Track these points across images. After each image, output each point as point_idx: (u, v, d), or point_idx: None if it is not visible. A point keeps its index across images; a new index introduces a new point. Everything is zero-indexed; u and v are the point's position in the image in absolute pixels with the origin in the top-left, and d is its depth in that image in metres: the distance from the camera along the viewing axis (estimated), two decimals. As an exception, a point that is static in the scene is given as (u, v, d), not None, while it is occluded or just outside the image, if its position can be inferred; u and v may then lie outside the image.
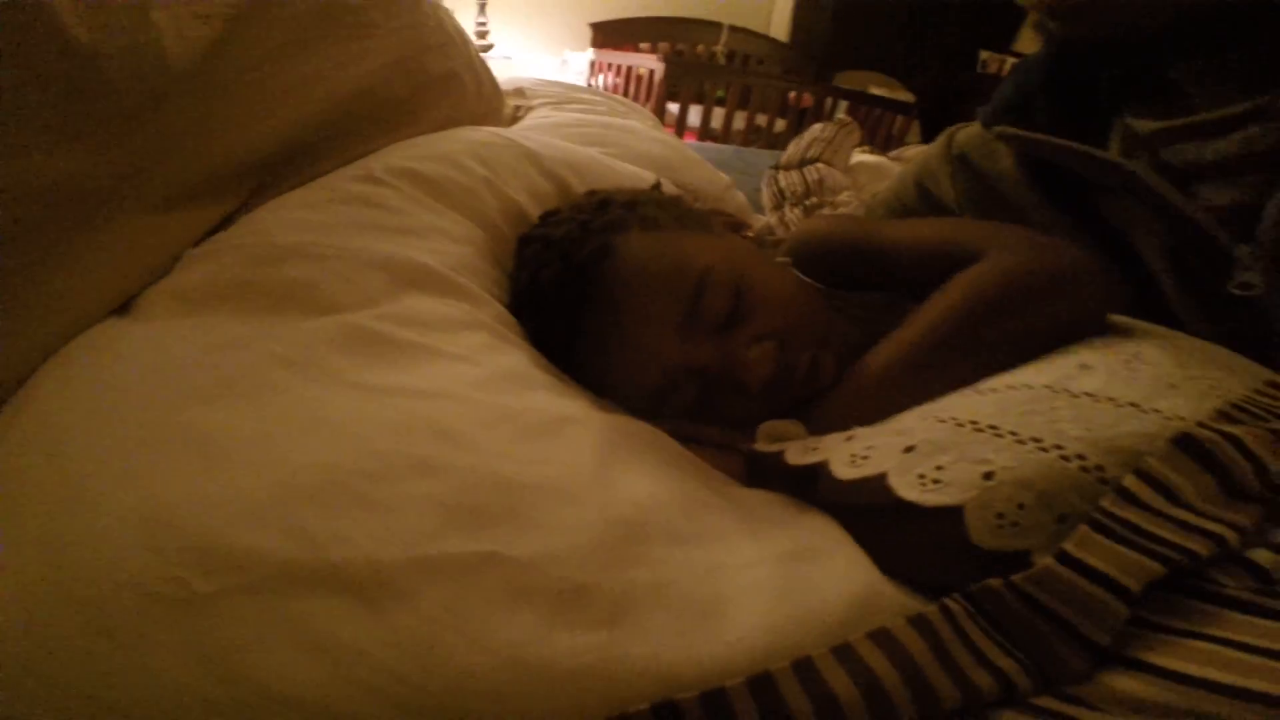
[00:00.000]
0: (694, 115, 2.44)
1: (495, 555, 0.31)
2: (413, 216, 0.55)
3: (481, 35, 2.88)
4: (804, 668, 0.29)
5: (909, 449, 0.37)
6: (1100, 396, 0.37)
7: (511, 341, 0.50)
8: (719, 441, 0.48)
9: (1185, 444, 0.33)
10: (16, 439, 0.34)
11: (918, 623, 0.30)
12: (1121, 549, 0.29)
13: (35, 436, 0.34)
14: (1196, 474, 0.32)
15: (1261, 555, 0.30)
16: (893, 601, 0.34)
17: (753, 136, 2.52)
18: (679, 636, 0.31)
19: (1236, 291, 0.48)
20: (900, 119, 2.58)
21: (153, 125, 0.44)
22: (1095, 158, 0.55)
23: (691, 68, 2.91)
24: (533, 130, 0.93)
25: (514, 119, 1.06)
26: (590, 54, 2.88)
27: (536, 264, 0.54)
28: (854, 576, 0.35)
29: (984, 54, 3.44)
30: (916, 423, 0.40)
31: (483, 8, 2.90)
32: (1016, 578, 0.30)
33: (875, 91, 3.00)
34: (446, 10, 0.85)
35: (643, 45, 3.30)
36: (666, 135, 1.19)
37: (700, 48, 3.42)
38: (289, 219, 0.51)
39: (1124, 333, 0.46)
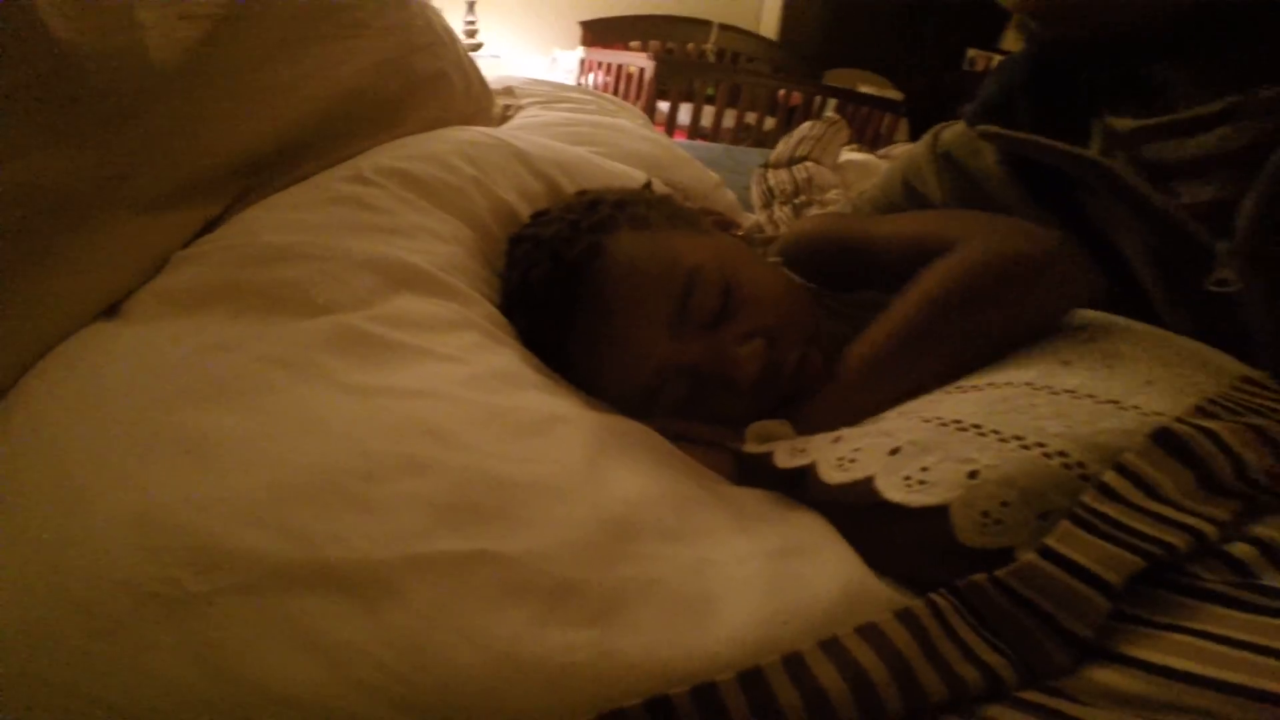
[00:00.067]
0: (684, 113, 2.44)
1: (487, 553, 0.31)
2: (402, 216, 0.55)
3: (470, 34, 2.87)
4: (794, 662, 0.29)
5: (894, 451, 0.38)
6: (1080, 393, 0.38)
7: (502, 341, 0.50)
8: (709, 439, 0.49)
9: (1164, 439, 0.33)
10: (8, 441, 0.34)
11: (905, 618, 0.31)
12: (1102, 543, 0.30)
13: (27, 438, 0.34)
14: (1175, 469, 0.33)
15: (1239, 549, 0.30)
16: (881, 597, 0.34)
17: (742, 134, 2.52)
18: (670, 632, 0.31)
19: (1214, 288, 0.49)
20: (889, 117, 2.58)
21: (139, 126, 0.44)
22: (1075, 155, 0.55)
23: (681, 66, 2.91)
24: (522, 129, 0.93)
25: (503, 118, 1.06)
26: (580, 52, 2.86)
27: (527, 263, 0.54)
28: (842, 572, 0.36)
29: (971, 52, 3.46)
30: (902, 423, 0.41)
31: (471, 6, 2.89)
32: (1001, 572, 0.31)
33: (864, 90, 3.00)
34: (435, 9, 0.85)
35: (632, 44, 3.30)
36: (656, 134, 1.19)
37: (690, 46, 3.42)
38: (278, 220, 0.51)
39: (1104, 329, 0.46)
